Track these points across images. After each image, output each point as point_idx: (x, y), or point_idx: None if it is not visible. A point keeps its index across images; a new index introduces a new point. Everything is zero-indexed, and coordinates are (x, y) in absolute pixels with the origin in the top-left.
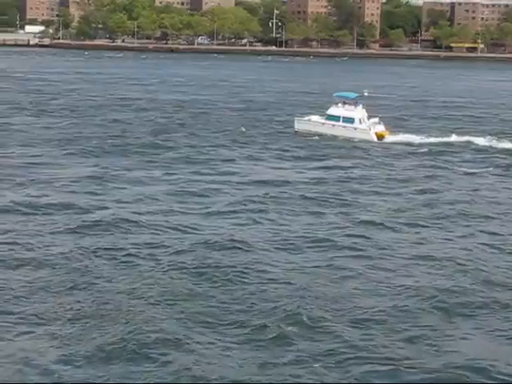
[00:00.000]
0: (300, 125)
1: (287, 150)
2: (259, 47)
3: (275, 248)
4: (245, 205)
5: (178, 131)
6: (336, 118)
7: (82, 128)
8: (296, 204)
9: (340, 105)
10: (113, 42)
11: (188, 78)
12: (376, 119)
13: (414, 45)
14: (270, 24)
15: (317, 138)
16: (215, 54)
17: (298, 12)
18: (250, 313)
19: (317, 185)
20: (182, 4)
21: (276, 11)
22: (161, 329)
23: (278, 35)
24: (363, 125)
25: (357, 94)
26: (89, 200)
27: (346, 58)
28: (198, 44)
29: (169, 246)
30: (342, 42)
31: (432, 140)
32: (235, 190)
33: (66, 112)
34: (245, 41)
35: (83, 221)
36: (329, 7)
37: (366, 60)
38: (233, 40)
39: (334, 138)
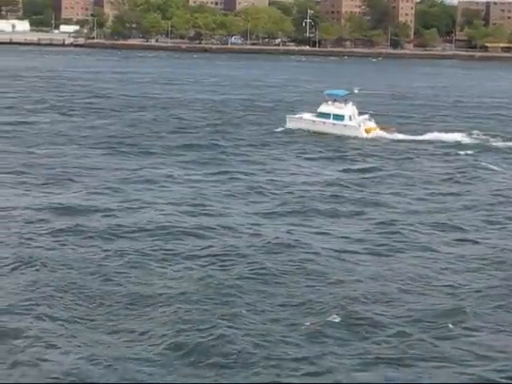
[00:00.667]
0: (292, 123)
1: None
2: (292, 47)
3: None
4: (291, 205)
5: (210, 131)
6: (326, 116)
7: (115, 127)
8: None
9: (330, 102)
10: (146, 41)
11: (221, 78)
12: (366, 116)
13: (448, 45)
14: (304, 24)
15: (308, 134)
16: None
17: (332, 12)
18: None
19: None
20: (216, 4)
21: (310, 11)
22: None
23: (312, 35)
24: (353, 121)
25: (347, 92)
26: (131, 202)
27: (380, 58)
28: (232, 44)
29: (234, 249)
30: (376, 41)
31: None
32: (278, 191)
33: (99, 111)
34: (278, 41)
35: (132, 223)
36: (363, 7)
37: (400, 60)
38: (266, 40)
39: (325, 135)
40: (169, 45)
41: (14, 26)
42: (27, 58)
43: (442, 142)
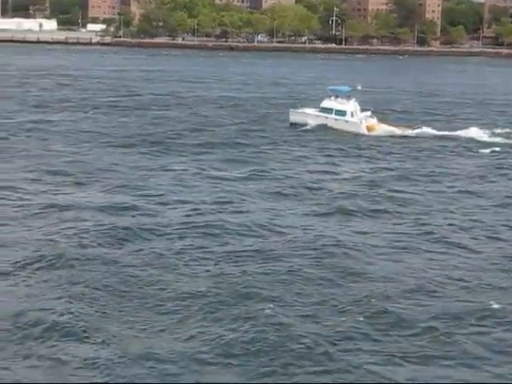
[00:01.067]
0: (295, 116)
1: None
2: (319, 45)
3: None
4: (323, 204)
5: (236, 130)
6: (329, 111)
7: (139, 125)
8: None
9: (333, 98)
10: (173, 40)
11: (247, 76)
12: (368, 113)
13: (476, 42)
14: (330, 21)
15: (332, 133)
16: (274, 52)
17: (358, 9)
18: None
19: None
20: (242, 2)
21: (336, 9)
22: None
23: (338, 33)
24: (354, 118)
25: (350, 88)
26: (155, 199)
27: (406, 56)
28: (258, 42)
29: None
30: (403, 39)
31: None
32: (306, 189)
33: (123, 109)
34: (304, 38)
35: (160, 222)
36: (389, 4)
37: (426, 57)
38: (292, 38)
39: (326, 129)
40: (195, 43)
41: (41, 25)
42: (54, 56)
43: (469, 139)
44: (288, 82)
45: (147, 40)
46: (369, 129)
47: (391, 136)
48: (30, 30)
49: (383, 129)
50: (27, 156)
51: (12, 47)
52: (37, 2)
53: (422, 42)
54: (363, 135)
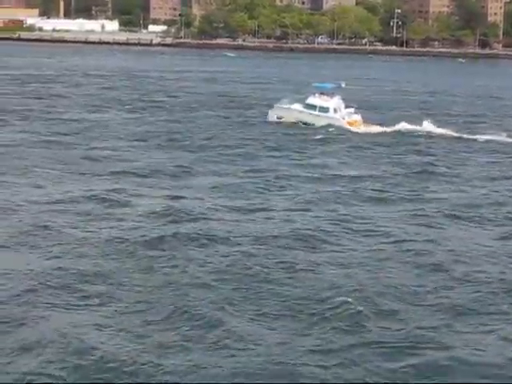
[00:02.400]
0: (278, 111)
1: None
2: (379, 47)
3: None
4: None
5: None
6: (313, 107)
7: (184, 126)
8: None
9: (317, 95)
10: (233, 41)
11: (307, 77)
12: (351, 109)
13: None
14: (391, 23)
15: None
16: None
17: (420, 11)
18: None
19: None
20: (303, 3)
21: (397, 10)
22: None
23: (399, 35)
24: (337, 114)
25: (334, 85)
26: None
27: (468, 59)
28: (318, 43)
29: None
30: (464, 41)
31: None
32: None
33: (175, 109)
34: (365, 40)
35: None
36: (451, 6)
37: (489, 60)
38: (353, 40)
39: (311, 124)
40: (255, 44)
41: (103, 26)
42: (115, 57)
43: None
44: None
45: (208, 41)
46: (350, 124)
47: (374, 132)
48: (92, 31)
49: (365, 125)
50: (64, 153)
51: (74, 48)
52: (99, 4)
53: (483, 44)
54: (345, 130)
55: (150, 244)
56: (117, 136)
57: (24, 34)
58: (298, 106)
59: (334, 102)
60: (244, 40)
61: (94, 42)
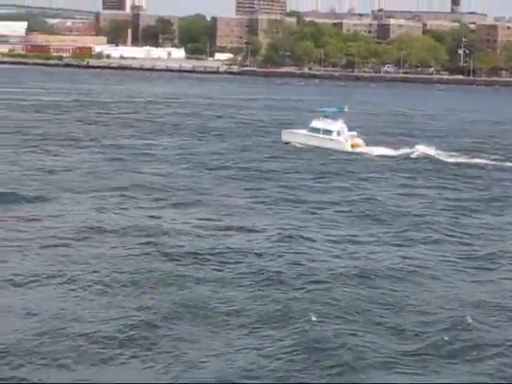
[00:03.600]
0: (286, 136)
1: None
2: (446, 76)
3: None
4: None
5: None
6: (317, 130)
7: (236, 153)
8: None
9: (321, 118)
10: (299, 69)
11: (372, 106)
12: (354, 133)
13: None
14: (458, 52)
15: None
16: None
17: (487, 40)
18: None
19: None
20: (369, 32)
21: (464, 39)
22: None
23: (466, 64)
24: (340, 137)
25: (337, 110)
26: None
27: None
28: (384, 72)
29: None
30: None
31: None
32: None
33: (230, 136)
34: (431, 69)
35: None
36: None
37: None
38: (419, 68)
39: (315, 147)
40: (321, 73)
41: (169, 54)
42: (180, 84)
43: None
44: (412, 112)
45: (273, 69)
46: (353, 146)
47: (379, 155)
48: (158, 58)
49: (367, 148)
50: (113, 178)
51: (142, 75)
52: (166, 32)
53: None
54: (348, 152)
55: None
56: (168, 161)
57: (92, 61)
58: (303, 131)
59: (337, 125)
60: (310, 68)
61: (160, 70)
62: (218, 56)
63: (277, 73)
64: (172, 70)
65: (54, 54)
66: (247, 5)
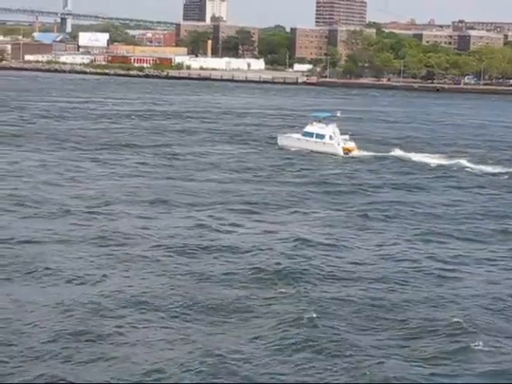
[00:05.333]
0: (282, 140)
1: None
2: None
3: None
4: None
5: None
6: (310, 135)
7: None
8: None
9: (315, 123)
10: (378, 80)
11: (457, 119)
12: (346, 136)
13: None
14: None
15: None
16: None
17: None
18: None
19: None
20: (449, 43)
21: None
22: None
23: None
24: (332, 141)
25: (330, 114)
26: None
27: None
28: (465, 84)
29: None
30: None
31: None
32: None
33: None
34: None
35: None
36: None
37: None
38: (500, 80)
39: (309, 151)
40: (400, 84)
41: (249, 65)
42: (258, 95)
43: None
44: (492, 125)
45: (352, 80)
46: (346, 150)
47: (368, 157)
48: (238, 69)
49: (359, 151)
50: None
51: (221, 86)
52: (246, 43)
53: None
54: (340, 155)
55: None
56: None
57: (172, 72)
58: (297, 135)
59: (330, 130)
60: (389, 79)
61: (239, 80)
62: (297, 67)
63: (355, 84)
64: (251, 81)
65: (135, 65)
66: (327, 16)
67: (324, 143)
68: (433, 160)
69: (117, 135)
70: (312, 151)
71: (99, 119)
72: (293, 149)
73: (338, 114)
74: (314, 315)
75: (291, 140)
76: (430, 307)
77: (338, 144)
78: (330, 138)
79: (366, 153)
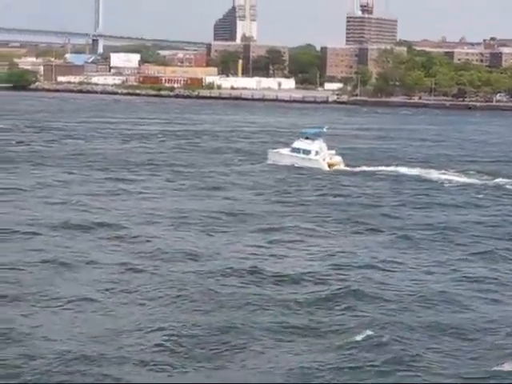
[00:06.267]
0: (271, 156)
1: None
2: None
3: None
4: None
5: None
6: (297, 150)
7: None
8: None
9: (302, 139)
10: (409, 99)
11: (490, 136)
12: (333, 151)
13: None
14: None
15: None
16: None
17: None
18: None
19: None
20: (481, 61)
21: None
22: None
23: None
24: (318, 156)
25: (317, 130)
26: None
27: None
28: (496, 101)
29: None
30: None
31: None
32: None
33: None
34: None
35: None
36: None
37: None
38: None
39: (295, 166)
40: (432, 102)
41: (280, 84)
42: (289, 114)
43: None
44: None
45: (383, 99)
46: (330, 165)
47: (349, 172)
48: (269, 89)
49: (343, 166)
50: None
51: (252, 105)
52: (276, 62)
53: None
54: (323, 171)
55: None
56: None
57: (203, 92)
58: (286, 151)
59: (316, 145)
60: (420, 98)
61: (270, 100)
62: (328, 86)
63: (387, 102)
64: (282, 100)
65: (166, 85)
66: (357, 34)
67: (310, 159)
68: (469, 179)
69: (145, 155)
70: (299, 166)
71: (129, 139)
72: (281, 163)
73: (325, 130)
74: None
75: (280, 156)
76: None
77: (324, 159)
78: (316, 153)
79: (349, 168)
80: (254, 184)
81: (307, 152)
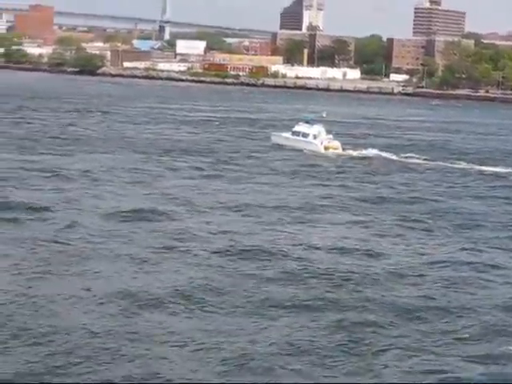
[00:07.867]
0: (274, 139)
1: None
2: None
3: None
4: None
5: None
6: (297, 134)
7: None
8: None
9: (301, 123)
10: (475, 92)
11: None
12: (330, 136)
13: None
14: None
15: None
16: None
17: None
18: None
19: None
20: None
21: None
22: None
23: None
24: (316, 139)
25: (314, 116)
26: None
27: None
28: None
29: None
30: None
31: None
32: None
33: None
34: None
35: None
36: None
37: None
38: None
39: (295, 148)
40: (499, 95)
41: (345, 74)
42: (353, 104)
43: None
44: None
45: (448, 91)
46: (326, 148)
47: (345, 155)
48: (334, 79)
49: (341, 150)
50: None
51: (316, 95)
52: (342, 52)
53: None
54: (319, 153)
55: None
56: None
57: (268, 81)
58: (287, 134)
59: (315, 130)
60: (487, 91)
61: (334, 90)
62: (394, 77)
63: (452, 95)
64: (346, 91)
65: (231, 73)
66: (424, 26)
67: (307, 141)
68: None
69: (203, 142)
70: (298, 148)
71: (190, 124)
72: (282, 144)
73: (324, 115)
74: None
75: (282, 138)
76: None
77: (321, 143)
78: (314, 137)
79: (350, 152)
80: None
81: (306, 135)
